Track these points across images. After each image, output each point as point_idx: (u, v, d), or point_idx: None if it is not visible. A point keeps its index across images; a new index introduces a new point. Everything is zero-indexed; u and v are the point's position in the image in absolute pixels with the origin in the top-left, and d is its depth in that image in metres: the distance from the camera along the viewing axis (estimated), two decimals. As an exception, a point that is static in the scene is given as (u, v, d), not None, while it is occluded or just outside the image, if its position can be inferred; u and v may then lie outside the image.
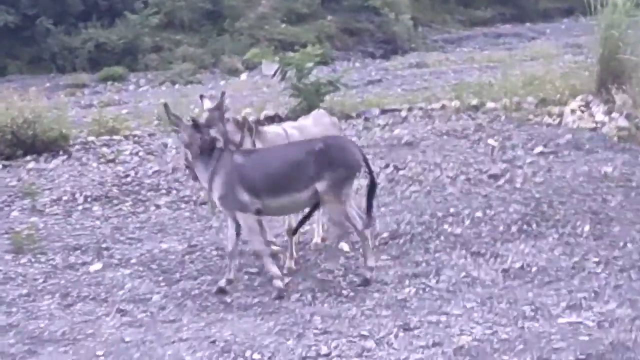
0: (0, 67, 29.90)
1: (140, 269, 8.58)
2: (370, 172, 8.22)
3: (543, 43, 27.07)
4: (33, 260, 8.91)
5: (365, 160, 8.13)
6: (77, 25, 31.06)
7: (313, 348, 6.53)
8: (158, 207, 10.06)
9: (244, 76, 27.44)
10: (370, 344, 6.56)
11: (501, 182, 10.80)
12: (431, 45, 32.82)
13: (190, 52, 30.51)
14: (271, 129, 8.83)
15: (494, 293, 7.49)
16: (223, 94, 8.34)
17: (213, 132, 7.85)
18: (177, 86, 27.07)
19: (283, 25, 31.97)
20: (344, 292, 7.75)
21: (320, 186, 7.68)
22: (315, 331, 6.86)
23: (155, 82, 28.44)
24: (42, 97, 14.01)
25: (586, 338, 6.37)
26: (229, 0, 32.42)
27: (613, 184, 10.40)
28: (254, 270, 8.44)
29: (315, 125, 8.98)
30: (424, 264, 8.34)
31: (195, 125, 7.89)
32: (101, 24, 31.10)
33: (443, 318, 6.98)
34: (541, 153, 11.81)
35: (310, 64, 14.48)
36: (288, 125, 9.00)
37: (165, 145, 13.30)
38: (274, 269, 7.87)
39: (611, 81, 13.34)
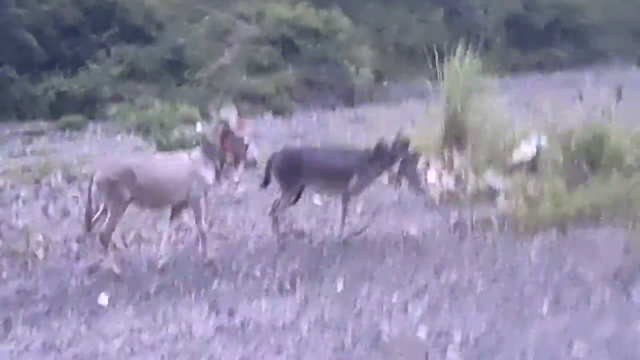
0: (-36, 114, 30.96)
1: None
2: None
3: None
4: None
5: None
6: (40, 74, 32.06)
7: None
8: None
9: (199, 126, 27.95)
10: None
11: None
12: (394, 98, 33.38)
13: (149, 102, 31.20)
14: None
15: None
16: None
17: None
18: (131, 136, 27.67)
19: (243, 77, 32.75)
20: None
21: None
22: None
23: (112, 131, 29.15)
24: None
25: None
26: (191, 51, 33.31)
27: (401, 243, 10.63)
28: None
29: None
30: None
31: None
32: (64, 73, 32.14)
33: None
34: (362, 213, 12.19)
35: (172, 121, 15.09)
36: None
37: (18, 197, 13.87)
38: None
39: (453, 144, 13.90)
